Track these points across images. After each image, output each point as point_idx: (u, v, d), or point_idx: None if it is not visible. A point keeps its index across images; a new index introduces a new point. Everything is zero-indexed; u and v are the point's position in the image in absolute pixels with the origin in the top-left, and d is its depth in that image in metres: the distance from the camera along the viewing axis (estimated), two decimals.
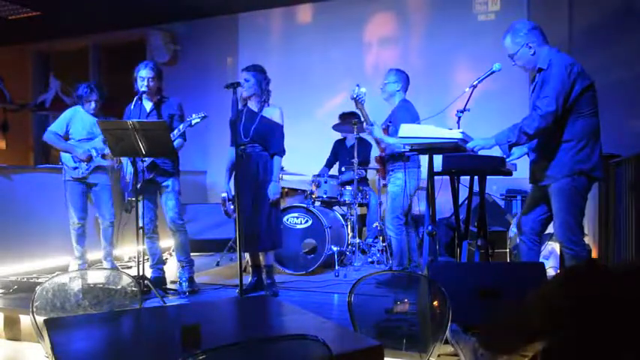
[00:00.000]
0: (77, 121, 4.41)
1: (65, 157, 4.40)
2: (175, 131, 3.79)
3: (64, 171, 4.43)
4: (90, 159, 4.35)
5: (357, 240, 4.93)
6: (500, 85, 5.24)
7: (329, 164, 5.79)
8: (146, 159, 3.78)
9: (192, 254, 4.09)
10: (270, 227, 3.82)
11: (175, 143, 3.77)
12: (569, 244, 2.87)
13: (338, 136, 5.85)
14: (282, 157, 3.88)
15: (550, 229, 3.21)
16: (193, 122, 3.79)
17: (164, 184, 3.94)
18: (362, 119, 4.09)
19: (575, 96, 2.80)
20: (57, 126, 4.40)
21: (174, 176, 3.98)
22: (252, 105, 3.88)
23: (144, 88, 3.84)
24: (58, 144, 4.38)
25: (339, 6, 6.55)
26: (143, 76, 3.85)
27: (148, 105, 3.97)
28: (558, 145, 2.87)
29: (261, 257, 4.02)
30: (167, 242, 4.96)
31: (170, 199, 3.94)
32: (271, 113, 3.85)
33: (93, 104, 4.45)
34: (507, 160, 3.10)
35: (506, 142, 2.92)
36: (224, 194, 3.97)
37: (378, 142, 4.26)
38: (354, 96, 3.85)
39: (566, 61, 2.83)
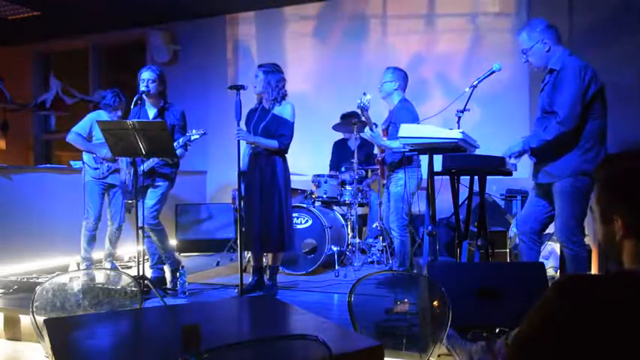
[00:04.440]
0: None
1: (87, 157, 4.49)
2: (175, 144, 3.79)
3: (84, 171, 4.52)
4: (114, 159, 4.42)
5: (357, 240, 4.93)
6: (500, 85, 5.24)
7: (333, 167, 5.73)
8: (144, 166, 3.82)
9: (192, 254, 4.10)
10: (282, 228, 3.81)
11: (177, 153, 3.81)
12: (570, 244, 2.88)
13: (337, 136, 5.84)
14: (281, 147, 3.80)
15: (550, 229, 3.21)
16: (192, 138, 3.89)
17: (155, 183, 3.97)
18: (363, 119, 4.10)
19: (589, 99, 2.82)
20: (80, 127, 4.49)
21: (168, 180, 4.01)
22: (266, 103, 3.89)
23: (143, 88, 3.87)
24: (81, 144, 4.46)
25: (339, 6, 6.56)
26: (144, 77, 3.90)
27: (151, 112, 4.00)
28: (565, 145, 2.87)
29: (269, 257, 4.02)
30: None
31: (152, 198, 3.94)
32: (282, 110, 3.84)
33: (120, 112, 4.60)
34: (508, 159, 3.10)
35: (529, 146, 2.96)
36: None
37: (379, 146, 4.26)
38: (361, 104, 3.86)
39: (580, 65, 2.85)
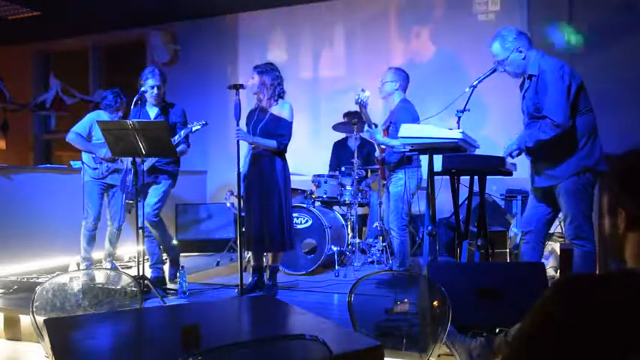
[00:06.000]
0: None
1: (86, 157, 4.50)
2: (176, 137, 3.86)
3: (83, 171, 4.52)
4: (114, 159, 4.42)
5: (357, 240, 4.93)
6: (500, 85, 5.23)
7: (333, 167, 5.70)
8: (145, 162, 3.83)
9: (192, 254, 4.11)
10: (282, 228, 3.81)
11: (178, 149, 3.83)
12: (579, 241, 2.89)
13: (337, 135, 5.84)
14: (279, 147, 3.80)
15: (550, 229, 3.21)
16: (194, 129, 3.91)
17: (156, 181, 4.00)
18: (364, 119, 4.10)
19: (573, 96, 2.83)
20: (80, 127, 4.49)
21: (169, 178, 4.04)
22: (264, 103, 3.88)
23: (147, 88, 3.91)
24: (81, 144, 4.45)
25: (340, 6, 6.55)
26: (152, 84, 3.93)
27: (152, 111, 4.03)
28: (563, 147, 2.88)
29: (269, 258, 4.02)
30: None
31: (154, 195, 3.97)
32: (280, 110, 3.84)
33: (121, 113, 4.62)
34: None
35: (524, 145, 2.96)
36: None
37: (378, 144, 4.26)
38: (359, 100, 3.85)
39: (556, 65, 2.87)
